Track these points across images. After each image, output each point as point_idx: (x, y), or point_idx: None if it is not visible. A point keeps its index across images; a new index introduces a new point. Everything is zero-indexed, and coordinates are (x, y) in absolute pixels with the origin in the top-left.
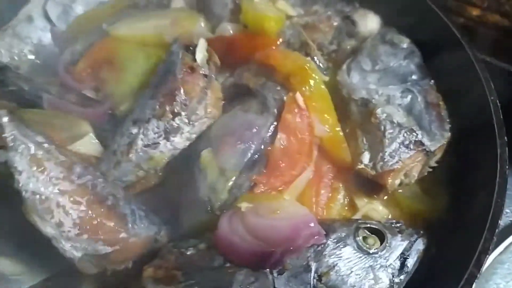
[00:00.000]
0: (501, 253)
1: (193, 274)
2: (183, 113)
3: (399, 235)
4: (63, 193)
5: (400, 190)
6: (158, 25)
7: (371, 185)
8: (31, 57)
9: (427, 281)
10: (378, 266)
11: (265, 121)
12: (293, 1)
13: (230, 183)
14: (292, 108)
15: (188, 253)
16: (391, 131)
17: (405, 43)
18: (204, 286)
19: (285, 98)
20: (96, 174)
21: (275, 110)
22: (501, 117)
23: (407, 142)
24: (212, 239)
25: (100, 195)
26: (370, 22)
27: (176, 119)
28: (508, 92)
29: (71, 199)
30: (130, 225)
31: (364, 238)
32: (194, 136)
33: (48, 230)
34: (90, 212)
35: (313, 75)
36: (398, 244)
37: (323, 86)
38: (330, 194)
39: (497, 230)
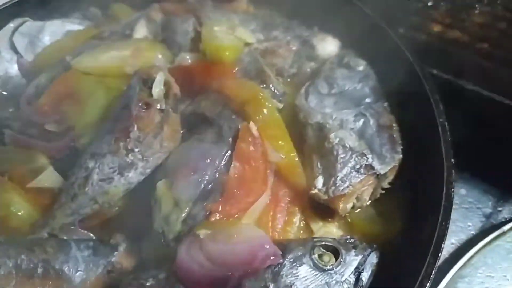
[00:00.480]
0: (462, 266)
1: None
2: (136, 150)
3: (353, 250)
4: None
5: (357, 211)
6: (119, 56)
7: (325, 209)
8: None
9: None
10: (334, 282)
11: (219, 151)
12: (253, 27)
13: (184, 214)
14: (246, 137)
15: (148, 283)
16: (343, 155)
17: (361, 66)
18: None
19: (240, 126)
20: (18, 251)
21: (230, 139)
22: (449, 139)
23: (358, 167)
24: (171, 268)
25: (27, 271)
26: (328, 46)
27: (130, 155)
28: (466, 109)
29: None
30: (72, 277)
31: (320, 256)
32: (148, 170)
33: None
34: None
35: (267, 103)
36: (352, 259)
37: (277, 114)
38: (286, 218)
39: (440, 254)
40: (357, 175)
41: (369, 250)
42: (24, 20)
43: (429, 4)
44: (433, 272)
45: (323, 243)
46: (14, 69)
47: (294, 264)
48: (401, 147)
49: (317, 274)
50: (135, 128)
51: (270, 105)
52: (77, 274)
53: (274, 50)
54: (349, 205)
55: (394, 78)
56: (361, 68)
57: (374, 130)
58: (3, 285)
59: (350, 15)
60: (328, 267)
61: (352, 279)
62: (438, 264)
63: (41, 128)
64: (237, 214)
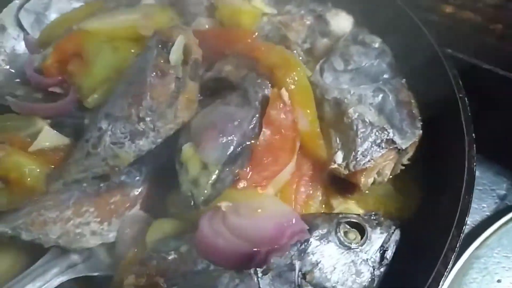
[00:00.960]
0: (477, 247)
1: (176, 280)
2: (148, 119)
3: (378, 227)
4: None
5: (375, 188)
6: (128, 19)
7: (345, 184)
8: (5, 66)
9: (397, 280)
10: (360, 260)
11: (247, 114)
12: (267, 0)
13: (214, 176)
14: (276, 104)
15: (170, 257)
16: (363, 130)
17: (376, 42)
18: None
19: (267, 91)
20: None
21: (257, 103)
22: (469, 114)
23: (378, 141)
24: (193, 240)
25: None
26: (342, 22)
27: (142, 123)
28: (479, 88)
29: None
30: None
31: (345, 233)
32: (159, 140)
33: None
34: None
35: (298, 68)
36: (378, 237)
37: (307, 80)
38: (310, 192)
39: (465, 227)
40: (378, 149)
41: (393, 227)
42: None
43: None
44: (457, 244)
45: (348, 219)
46: (21, 46)
47: (320, 242)
48: (421, 123)
49: (343, 252)
50: (148, 97)
51: (301, 70)
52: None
53: (287, 24)
54: (371, 180)
55: (410, 55)
56: (376, 44)
57: (393, 105)
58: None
59: None
60: (353, 245)
61: (377, 257)
62: (462, 237)
63: (45, 92)
64: (263, 183)
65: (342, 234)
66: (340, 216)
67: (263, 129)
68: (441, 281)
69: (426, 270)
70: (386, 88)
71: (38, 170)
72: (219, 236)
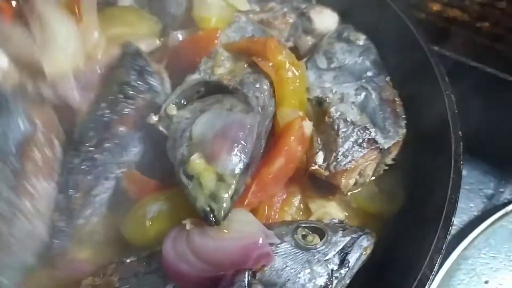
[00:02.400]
0: (464, 248)
1: (129, 279)
2: None
3: (341, 231)
4: None
5: (358, 190)
6: None
7: (326, 186)
8: None
9: (380, 281)
10: (316, 260)
11: (253, 121)
12: None
13: (232, 188)
14: (298, 134)
15: (128, 260)
16: (344, 129)
17: (361, 40)
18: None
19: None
20: None
21: (259, 109)
22: (456, 111)
23: (360, 141)
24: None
25: None
26: (326, 19)
27: None
28: (466, 86)
29: None
30: None
31: (303, 236)
32: None
33: None
34: None
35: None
36: (339, 240)
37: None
38: (284, 197)
39: (451, 228)
40: (359, 150)
41: (359, 232)
42: None
43: None
44: (443, 246)
45: (308, 224)
46: None
47: None
48: (405, 122)
49: (297, 252)
50: None
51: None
52: None
53: (269, 21)
54: (352, 181)
55: (396, 52)
56: (361, 42)
57: (376, 103)
58: None
59: None
60: (310, 245)
61: (337, 259)
62: (448, 239)
63: None
64: (255, 203)
65: (299, 236)
66: (301, 221)
67: (280, 158)
68: (427, 284)
69: (411, 273)
70: (370, 86)
71: None
72: (182, 259)
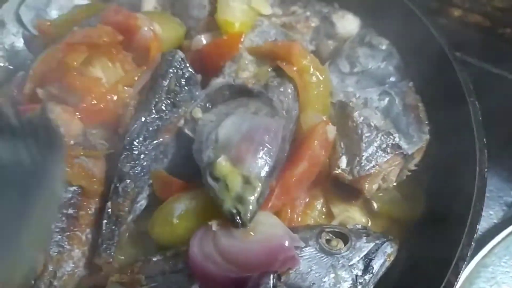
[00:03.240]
0: (484, 256)
1: (156, 277)
2: None
3: (364, 237)
4: None
5: (380, 194)
6: None
7: (349, 190)
8: (5, 63)
9: None
10: (340, 265)
11: (278, 124)
12: (272, 1)
13: (258, 190)
14: (322, 137)
15: (155, 259)
16: (368, 134)
17: (384, 45)
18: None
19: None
20: None
21: (284, 112)
22: (480, 118)
23: (384, 146)
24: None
25: None
26: (349, 24)
27: None
28: (487, 93)
29: None
30: None
31: (328, 241)
32: None
33: None
34: None
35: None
36: (363, 246)
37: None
38: (307, 200)
39: (476, 235)
40: (383, 155)
41: (382, 239)
42: None
43: None
44: (468, 253)
45: (332, 229)
46: (20, 42)
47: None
48: (428, 128)
49: (322, 257)
50: None
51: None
52: None
53: (292, 25)
54: (375, 186)
55: (419, 58)
56: (384, 47)
57: (400, 109)
58: None
59: None
60: (334, 250)
61: (361, 265)
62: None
63: None
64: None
65: (324, 241)
66: (324, 226)
67: (303, 162)
68: None
69: (435, 280)
70: (393, 91)
71: None
72: (208, 260)
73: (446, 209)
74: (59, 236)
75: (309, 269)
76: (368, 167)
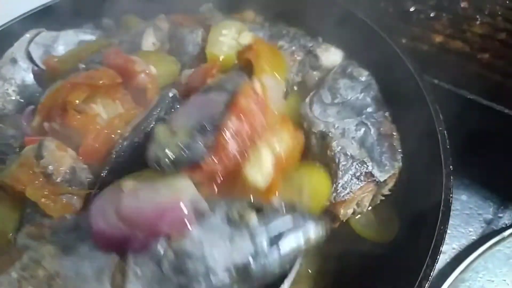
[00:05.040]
0: (462, 271)
1: (59, 233)
2: None
3: (283, 214)
4: None
5: (357, 217)
6: None
7: (328, 214)
8: (16, 97)
9: None
10: (242, 239)
11: (219, 97)
12: (261, 36)
13: (182, 139)
14: (248, 92)
15: (69, 216)
16: (344, 163)
17: (363, 76)
18: (61, 242)
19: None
20: None
21: (232, 90)
22: (447, 147)
23: (358, 174)
24: None
25: None
26: (332, 56)
27: None
28: (466, 118)
29: None
30: None
31: (241, 214)
32: None
33: None
34: None
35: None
36: (279, 224)
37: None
38: None
39: (438, 256)
40: (357, 182)
41: (307, 220)
42: (39, 30)
43: (431, 15)
44: (431, 273)
45: (249, 202)
46: (30, 78)
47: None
48: (401, 155)
49: (226, 228)
50: None
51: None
52: None
53: None
54: (350, 211)
55: (395, 88)
56: (363, 78)
57: (374, 138)
58: None
59: (353, 27)
60: (241, 222)
61: (266, 242)
62: (437, 267)
63: None
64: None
65: (235, 213)
66: (245, 198)
67: (232, 117)
68: None
69: None
70: (369, 122)
71: None
72: (103, 215)
73: (416, 231)
74: None
75: (207, 238)
76: (343, 194)
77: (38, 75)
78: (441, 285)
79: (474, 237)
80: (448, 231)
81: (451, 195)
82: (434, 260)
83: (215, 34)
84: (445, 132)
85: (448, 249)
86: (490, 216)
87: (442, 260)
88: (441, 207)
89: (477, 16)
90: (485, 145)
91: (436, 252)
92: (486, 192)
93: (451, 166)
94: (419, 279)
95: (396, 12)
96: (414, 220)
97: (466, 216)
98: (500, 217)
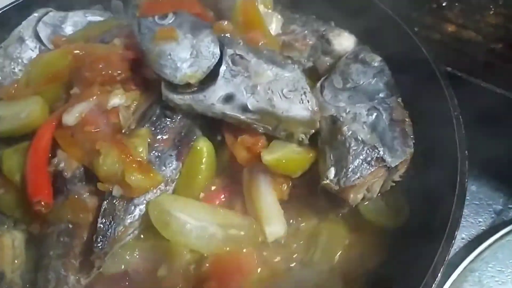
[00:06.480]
0: (472, 261)
1: None
2: None
3: None
4: None
5: (366, 203)
6: None
7: (337, 199)
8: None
9: None
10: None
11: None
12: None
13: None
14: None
15: None
16: (355, 147)
17: (376, 61)
18: None
19: None
20: None
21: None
22: (463, 132)
23: (369, 159)
24: None
25: None
26: (344, 41)
27: None
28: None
29: None
30: None
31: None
32: None
33: None
34: None
35: None
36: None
37: None
38: None
39: (454, 241)
40: (368, 167)
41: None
42: (47, 10)
43: (444, 4)
44: (446, 258)
45: None
46: None
47: None
48: (413, 141)
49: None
50: None
51: None
52: None
53: (291, 43)
54: (360, 196)
55: (409, 74)
56: (376, 63)
57: (386, 124)
58: None
59: (367, 12)
60: None
61: None
62: (451, 251)
63: None
64: None
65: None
66: None
67: None
68: None
69: (415, 283)
70: (381, 107)
71: None
72: None
73: (428, 218)
74: (57, 262)
75: None
76: (353, 178)
77: None
78: (450, 275)
79: (484, 228)
80: None
81: (466, 180)
82: (449, 244)
83: None
84: (460, 116)
85: (458, 239)
86: (500, 207)
87: (452, 250)
88: (457, 191)
89: (491, 6)
90: (496, 134)
91: (452, 236)
92: (496, 183)
93: (466, 151)
94: (434, 262)
95: (408, 1)
96: (427, 205)
97: (475, 206)
98: (510, 208)
